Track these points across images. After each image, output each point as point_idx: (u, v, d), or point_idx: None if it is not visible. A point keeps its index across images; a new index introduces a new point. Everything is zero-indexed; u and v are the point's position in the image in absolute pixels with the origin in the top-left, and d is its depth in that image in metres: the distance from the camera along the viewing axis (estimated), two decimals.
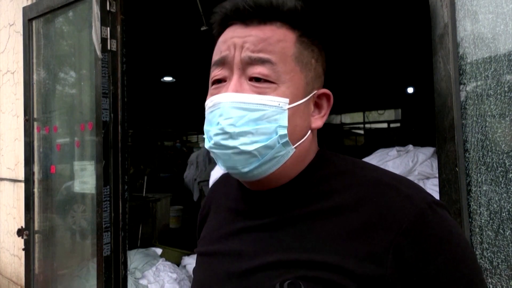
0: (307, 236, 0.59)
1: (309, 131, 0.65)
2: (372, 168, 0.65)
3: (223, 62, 0.63)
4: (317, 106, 0.67)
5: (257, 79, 0.60)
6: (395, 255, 0.53)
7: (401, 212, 0.55)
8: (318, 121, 0.66)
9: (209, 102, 0.62)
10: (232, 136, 0.59)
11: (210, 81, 0.66)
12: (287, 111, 0.60)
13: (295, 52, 0.62)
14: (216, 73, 0.64)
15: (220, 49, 0.64)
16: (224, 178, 0.84)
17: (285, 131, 0.60)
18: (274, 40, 0.61)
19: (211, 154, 0.64)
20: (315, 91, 0.65)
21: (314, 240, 0.58)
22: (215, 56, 0.65)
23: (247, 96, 0.59)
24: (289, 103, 0.60)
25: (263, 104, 0.59)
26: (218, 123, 0.59)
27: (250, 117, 0.58)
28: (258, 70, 0.60)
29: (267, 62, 0.60)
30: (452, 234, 0.55)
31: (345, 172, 0.64)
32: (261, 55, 0.60)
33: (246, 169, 0.60)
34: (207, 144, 0.63)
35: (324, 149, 0.70)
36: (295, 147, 0.62)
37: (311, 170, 0.65)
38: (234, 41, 0.62)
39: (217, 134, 0.60)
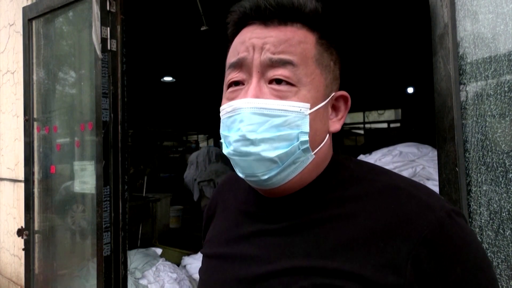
0: (323, 243, 0.57)
1: (327, 135, 0.63)
2: (388, 174, 0.63)
3: (241, 64, 0.60)
4: (334, 108, 0.65)
5: (278, 81, 0.58)
6: (414, 265, 0.52)
7: (421, 221, 0.54)
8: (336, 124, 0.64)
9: (227, 107, 0.60)
10: (253, 142, 0.56)
11: (226, 83, 0.63)
12: (308, 116, 0.58)
13: (315, 54, 0.60)
14: (233, 75, 0.61)
15: (238, 50, 0.61)
16: (230, 179, 0.81)
17: (306, 137, 0.58)
18: (295, 41, 0.59)
19: (231, 161, 0.62)
20: (333, 94, 0.64)
21: (330, 246, 0.57)
22: (232, 58, 0.62)
23: (268, 101, 0.57)
24: (310, 108, 0.58)
25: (285, 110, 0.57)
26: (238, 129, 0.57)
27: (272, 123, 0.56)
28: (279, 72, 0.57)
29: (288, 64, 0.57)
30: (470, 243, 0.55)
31: (361, 178, 0.62)
32: (283, 56, 0.58)
33: (265, 176, 0.58)
34: (225, 150, 0.61)
35: (338, 153, 0.68)
36: (314, 153, 0.60)
37: (326, 175, 0.64)
38: (253, 42, 0.59)
39: (237, 141, 0.58)
